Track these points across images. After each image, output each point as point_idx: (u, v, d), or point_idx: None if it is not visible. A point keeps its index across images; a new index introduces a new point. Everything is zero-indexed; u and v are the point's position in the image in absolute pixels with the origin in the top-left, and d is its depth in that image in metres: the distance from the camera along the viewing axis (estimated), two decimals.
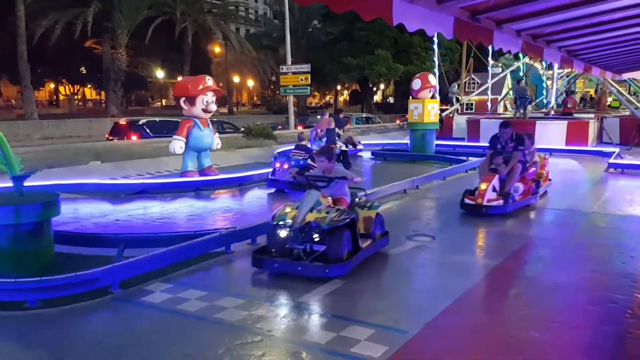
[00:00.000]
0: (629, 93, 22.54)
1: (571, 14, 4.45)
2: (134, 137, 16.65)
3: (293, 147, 10.88)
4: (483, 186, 7.44)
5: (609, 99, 24.61)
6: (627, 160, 12.74)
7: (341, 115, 16.20)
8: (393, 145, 17.15)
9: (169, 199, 8.96)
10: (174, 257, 5.04)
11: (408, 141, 15.68)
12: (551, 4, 4.08)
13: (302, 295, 4.41)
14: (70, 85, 57.81)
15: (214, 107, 10.52)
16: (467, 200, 7.55)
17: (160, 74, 49.21)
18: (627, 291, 4.57)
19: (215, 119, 18.23)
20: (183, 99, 10.27)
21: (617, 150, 14.10)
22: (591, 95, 32.53)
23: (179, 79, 20.76)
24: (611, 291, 4.58)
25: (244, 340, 3.63)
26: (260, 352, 3.49)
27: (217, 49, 46.20)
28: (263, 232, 6.07)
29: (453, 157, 13.35)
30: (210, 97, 10.31)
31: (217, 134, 10.99)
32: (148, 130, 17.43)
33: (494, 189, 7.50)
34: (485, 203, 7.29)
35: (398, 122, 26.94)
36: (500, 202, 7.42)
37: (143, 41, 35.18)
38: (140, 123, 18.28)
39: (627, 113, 19.60)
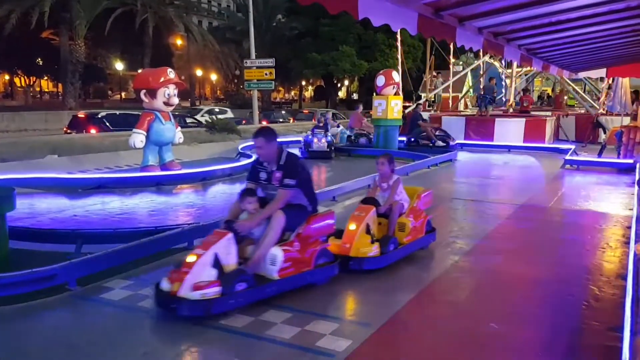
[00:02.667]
0: (585, 91, 23.29)
1: (530, 12, 4.55)
2: (93, 131, 16.20)
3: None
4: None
5: (566, 98, 25.35)
6: (583, 156, 13.17)
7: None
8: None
9: (129, 194, 8.76)
10: (134, 254, 4.92)
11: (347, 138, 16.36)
12: (511, 2, 4.16)
13: None
14: (25, 77, 55.75)
15: (175, 101, 10.31)
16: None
17: (119, 66, 48.01)
18: (583, 283, 4.73)
19: (177, 113, 17.94)
20: (144, 91, 10.03)
21: (573, 147, 14.56)
22: (548, 93, 33.48)
23: (140, 71, 20.30)
24: (567, 284, 4.73)
25: (201, 338, 3.57)
26: (223, 349, 3.44)
27: (179, 42, 45.33)
28: None
29: (416, 153, 13.50)
30: (172, 90, 10.10)
31: (179, 128, 10.79)
32: (108, 124, 16.99)
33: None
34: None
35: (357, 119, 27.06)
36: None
37: (102, 32, 34.22)
38: (99, 116, 17.80)
39: (583, 111, 20.27)
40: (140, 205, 8.04)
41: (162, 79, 10.03)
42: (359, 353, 3.39)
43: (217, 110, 28.38)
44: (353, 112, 18.02)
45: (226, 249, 4.02)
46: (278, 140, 4.49)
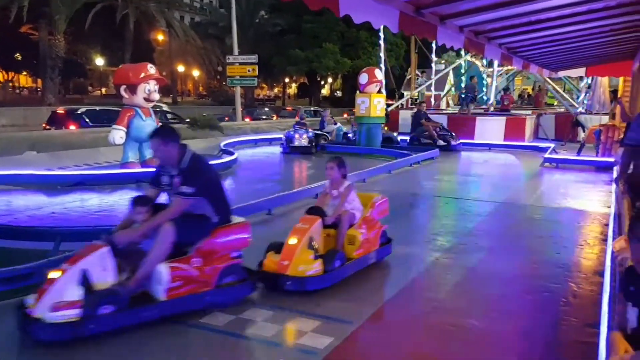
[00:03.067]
0: (564, 90, 23.61)
1: (510, 11, 4.59)
2: (72, 127, 15.96)
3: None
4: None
5: (546, 97, 25.67)
6: (562, 155, 13.34)
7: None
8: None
9: (109, 191, 8.64)
10: None
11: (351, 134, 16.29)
12: (491, 0, 4.19)
13: None
14: (3, 72, 54.67)
15: (156, 96, 10.21)
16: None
17: (100, 61, 47.36)
18: (561, 280, 4.79)
19: (158, 109, 17.77)
20: (124, 87, 9.91)
21: (552, 145, 14.75)
22: (528, 92, 33.89)
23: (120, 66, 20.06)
24: (546, 280, 4.79)
25: (184, 338, 3.55)
26: (203, 347, 3.42)
27: (160, 37, 44.91)
28: None
29: (398, 151, 13.56)
30: (152, 85, 9.99)
31: (159, 124, 10.68)
32: (87, 120, 16.77)
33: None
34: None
35: (346, 115, 27.15)
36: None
37: (82, 27, 33.67)
38: (79, 112, 17.57)
39: (562, 110, 20.55)
40: (120, 203, 7.93)
41: (142, 75, 9.92)
42: (340, 350, 3.39)
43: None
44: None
45: (100, 264, 3.53)
46: (182, 140, 4.03)
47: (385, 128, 17.10)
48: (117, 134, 9.81)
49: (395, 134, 16.71)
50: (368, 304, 4.14)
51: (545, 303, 4.28)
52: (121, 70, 10.84)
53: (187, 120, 17.29)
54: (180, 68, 48.06)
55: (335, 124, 17.28)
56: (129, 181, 9.20)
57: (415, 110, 17.28)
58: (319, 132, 16.51)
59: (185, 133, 14.57)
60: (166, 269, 3.67)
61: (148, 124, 10.10)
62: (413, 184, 10.39)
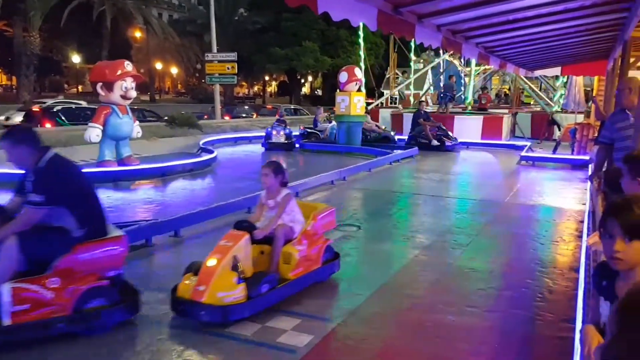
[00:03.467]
0: (540, 89, 23.95)
1: (487, 10, 4.64)
2: (48, 125, 15.68)
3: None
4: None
5: (522, 96, 26.00)
6: (538, 153, 13.55)
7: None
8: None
9: None
10: None
11: (318, 132, 16.31)
12: (468, 0, 4.23)
13: None
14: None
15: (133, 94, 10.09)
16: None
17: (76, 58, 46.56)
18: (537, 276, 4.87)
19: (136, 107, 17.54)
20: (100, 84, 9.77)
21: (528, 144, 14.96)
22: (505, 92, 34.31)
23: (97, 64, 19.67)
24: (523, 276, 4.86)
25: (164, 336, 3.52)
26: (182, 346, 3.39)
27: (137, 34, 44.33)
28: (187, 223, 5.95)
29: (378, 149, 13.62)
30: (129, 83, 9.87)
31: (137, 122, 10.56)
32: (63, 118, 16.49)
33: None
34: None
35: (326, 114, 27.12)
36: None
37: (58, 24, 33.13)
38: (55, 110, 17.26)
39: (539, 109, 20.85)
40: None
41: (119, 72, 9.80)
42: (320, 348, 3.40)
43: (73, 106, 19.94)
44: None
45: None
46: (37, 141, 3.55)
47: (383, 127, 16.94)
48: (94, 132, 9.67)
49: (392, 133, 16.55)
50: (347, 301, 4.17)
51: (522, 299, 4.34)
52: (98, 67, 10.68)
53: (166, 118, 17.09)
54: (158, 65, 47.50)
55: (330, 122, 16.95)
56: (106, 180, 9.08)
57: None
58: (311, 129, 16.46)
59: (163, 131, 14.45)
60: (8, 290, 3.18)
61: (125, 121, 9.99)
62: (393, 182, 10.45)
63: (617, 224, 1.64)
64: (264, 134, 15.21)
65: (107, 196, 8.18)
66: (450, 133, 15.63)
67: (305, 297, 4.21)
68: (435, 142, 14.99)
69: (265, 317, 3.77)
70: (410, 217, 7.50)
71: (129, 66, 10.10)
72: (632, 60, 6.20)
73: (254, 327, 3.63)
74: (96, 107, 10.37)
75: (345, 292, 4.44)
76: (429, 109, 22.46)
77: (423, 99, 20.63)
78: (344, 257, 5.49)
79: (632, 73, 6.36)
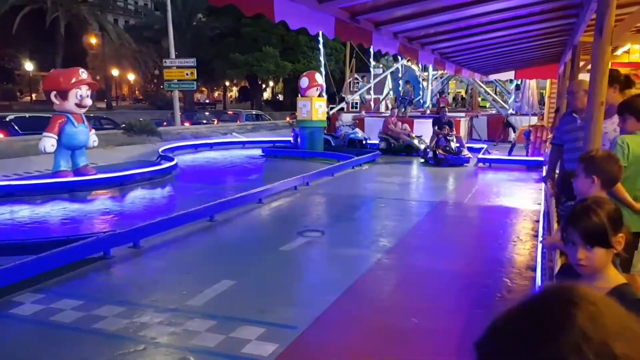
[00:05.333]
0: (495, 93, 24.61)
1: (442, 17, 4.74)
2: (0, 135, 15.08)
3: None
4: None
5: (479, 99, 26.66)
6: (494, 155, 13.89)
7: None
8: (284, 143, 17.22)
9: (40, 201, 8.24)
10: (45, 265, 4.65)
11: (291, 138, 16.13)
12: (423, 7, 4.31)
13: (190, 299, 4.27)
14: None
15: (88, 102, 9.85)
16: None
17: (29, 66, 45.04)
18: (496, 276, 4.99)
19: (92, 115, 17.12)
20: (54, 92, 9.50)
21: (485, 146, 15.33)
22: (462, 95, 35.11)
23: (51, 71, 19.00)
24: (482, 276, 4.97)
25: (125, 350, 3.44)
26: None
27: (93, 41, 43.25)
28: (147, 234, 5.83)
29: (340, 154, 13.70)
30: (84, 91, 9.63)
31: (93, 131, 10.31)
32: (17, 127, 15.90)
33: None
34: None
35: (288, 119, 27.13)
36: None
37: (10, 31, 31.98)
38: (7, 119, 16.62)
39: (494, 112, 21.41)
40: (52, 214, 7.59)
41: (73, 80, 9.56)
42: (286, 356, 3.38)
43: None
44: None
45: None
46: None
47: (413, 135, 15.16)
48: (48, 142, 9.39)
49: (364, 137, 15.75)
50: (313, 308, 4.16)
51: (482, 299, 4.45)
52: (51, 75, 10.39)
53: (123, 125, 16.72)
54: (115, 72, 46.42)
55: (353, 128, 16.18)
56: (62, 191, 8.81)
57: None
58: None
59: (121, 139, 14.15)
60: None
61: (80, 130, 9.74)
62: (355, 186, 10.53)
63: (577, 232, 1.68)
64: (225, 140, 15.03)
65: (62, 207, 7.96)
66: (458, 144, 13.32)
67: (268, 304, 4.19)
68: (441, 154, 12.91)
69: (229, 327, 3.73)
70: (373, 221, 7.57)
71: (84, 74, 9.86)
72: (581, 63, 6.43)
73: (217, 338, 3.59)
74: (50, 116, 10.06)
75: (309, 299, 4.44)
76: (387, 114, 22.78)
77: (343, 104, 20.24)
78: (308, 264, 5.51)
79: (582, 76, 6.61)
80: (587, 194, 2.45)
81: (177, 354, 3.42)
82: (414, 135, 14.81)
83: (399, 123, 15.41)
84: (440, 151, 12.91)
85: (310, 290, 4.65)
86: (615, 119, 3.50)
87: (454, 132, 13.58)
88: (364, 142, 15.49)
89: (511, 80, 21.04)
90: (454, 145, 12.98)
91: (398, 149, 14.75)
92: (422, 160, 13.46)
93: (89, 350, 3.46)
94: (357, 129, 16.10)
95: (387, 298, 4.50)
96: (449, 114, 14.75)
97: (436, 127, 13.33)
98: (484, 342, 0.60)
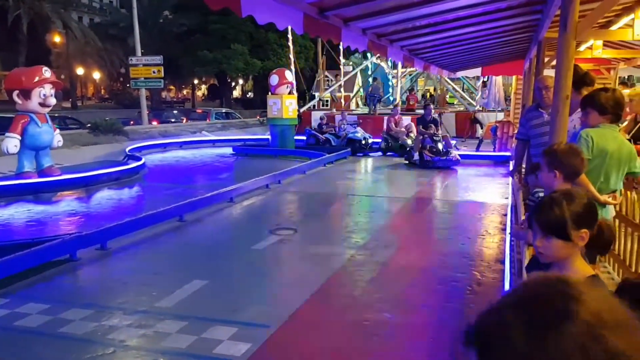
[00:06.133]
0: (463, 90, 24.95)
1: (410, 13, 4.76)
2: None
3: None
4: None
5: (447, 96, 26.99)
6: (462, 151, 14.07)
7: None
8: (254, 141, 17.08)
9: (3, 204, 7.98)
10: (9, 269, 4.51)
11: (269, 136, 15.76)
12: (392, 3, 4.32)
13: (160, 300, 4.19)
14: None
15: (52, 101, 9.59)
16: None
17: None
18: (467, 269, 5.06)
19: (56, 114, 16.68)
20: (16, 92, 9.21)
21: (454, 142, 15.50)
22: (430, 92, 35.49)
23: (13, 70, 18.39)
24: (453, 270, 5.03)
25: (93, 354, 3.35)
26: None
27: (57, 39, 42.17)
28: (114, 235, 5.71)
29: (312, 151, 13.68)
30: (48, 90, 9.37)
31: (57, 131, 10.04)
32: None
33: None
34: None
35: (258, 117, 26.97)
36: None
37: None
38: None
39: (462, 108, 21.71)
40: (16, 216, 7.36)
41: (36, 79, 9.30)
42: (259, 355, 3.35)
43: None
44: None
45: None
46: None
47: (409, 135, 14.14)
48: (11, 143, 9.11)
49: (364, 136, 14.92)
50: (286, 306, 4.14)
51: (453, 292, 4.50)
52: (13, 74, 10.07)
53: (89, 125, 16.32)
54: (80, 71, 45.36)
55: (355, 127, 15.62)
56: (26, 192, 8.57)
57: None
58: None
59: (85, 139, 13.82)
60: None
61: (45, 130, 9.48)
62: (327, 183, 10.52)
63: (537, 222, 1.75)
64: (195, 138, 14.83)
65: (27, 209, 7.73)
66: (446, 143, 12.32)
67: (240, 304, 4.15)
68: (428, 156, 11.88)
69: (201, 328, 3.67)
70: (345, 218, 7.58)
71: (47, 72, 9.60)
72: (546, 59, 6.56)
73: (188, 339, 3.53)
74: (13, 116, 9.76)
75: (282, 297, 4.42)
76: (359, 111, 22.88)
77: (315, 101, 19.83)
78: (280, 262, 5.49)
79: (546, 72, 6.73)
80: (552, 187, 2.52)
81: (148, 356, 3.35)
82: (413, 136, 13.47)
83: (402, 122, 14.47)
84: (427, 152, 11.87)
85: (283, 288, 4.62)
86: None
87: (440, 132, 12.64)
88: (363, 141, 14.61)
89: (478, 77, 21.36)
90: (440, 146, 11.94)
91: (395, 148, 14.02)
92: (407, 162, 12.48)
93: (56, 355, 3.37)
94: (358, 128, 15.54)
95: (360, 294, 4.51)
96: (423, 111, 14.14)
97: (421, 127, 12.39)
98: (480, 332, 0.58)
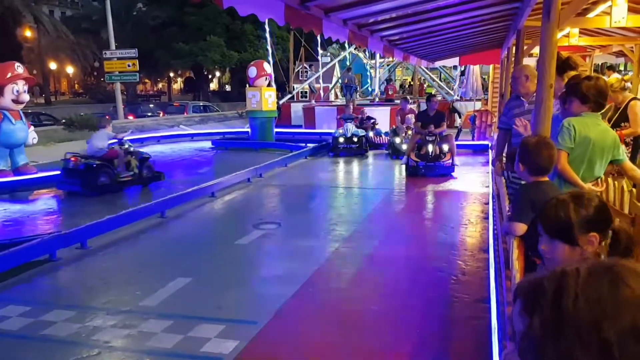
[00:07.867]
0: (441, 80, 25.07)
1: (390, 4, 4.74)
2: None
3: None
4: None
5: (425, 85, 27.09)
6: None
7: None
8: (234, 134, 16.90)
9: None
10: None
11: (249, 129, 15.57)
12: None
13: (144, 299, 4.12)
14: None
15: (25, 97, 9.35)
16: None
17: None
18: (450, 259, 5.08)
19: (30, 111, 16.31)
20: None
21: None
22: (409, 82, 35.62)
23: None
24: (437, 260, 5.05)
25: (78, 356, 3.29)
26: None
27: (28, 34, 41.16)
28: (94, 233, 5.60)
29: (293, 144, 13.61)
30: (21, 86, 9.13)
31: (32, 128, 9.80)
32: None
33: None
34: None
35: (239, 110, 26.73)
36: None
37: None
38: None
39: (440, 98, 21.81)
40: None
41: (9, 75, 9.07)
42: (247, 352, 3.32)
43: None
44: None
45: None
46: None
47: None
48: None
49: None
50: (273, 301, 4.10)
51: (438, 282, 4.51)
52: None
53: (63, 120, 16.00)
54: (53, 65, 44.39)
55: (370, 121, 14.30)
56: (1, 191, 8.35)
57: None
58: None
59: (60, 135, 13.55)
60: None
61: (19, 127, 9.24)
62: (310, 175, 10.47)
63: (541, 223, 1.70)
64: (172, 132, 14.62)
65: (3, 209, 7.54)
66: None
67: (226, 300, 4.11)
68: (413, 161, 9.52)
69: (186, 327, 3.62)
70: (329, 210, 7.56)
71: (19, 68, 9.36)
72: (525, 47, 6.60)
73: (174, 338, 3.48)
74: None
75: (268, 292, 4.38)
76: (338, 102, 22.80)
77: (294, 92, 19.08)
78: (265, 257, 5.45)
79: (525, 60, 6.77)
80: (524, 179, 2.68)
81: (133, 357, 3.29)
82: (410, 133, 11.21)
83: (408, 116, 12.19)
84: (413, 156, 9.53)
85: (269, 283, 4.58)
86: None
87: (444, 130, 10.13)
88: (355, 139, 12.57)
89: (455, 67, 21.47)
90: (430, 148, 9.47)
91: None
92: (403, 165, 9.97)
93: (38, 358, 3.29)
94: (349, 124, 13.15)
95: (346, 287, 4.50)
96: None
97: (420, 124, 9.95)
98: (535, 297, 0.72)
